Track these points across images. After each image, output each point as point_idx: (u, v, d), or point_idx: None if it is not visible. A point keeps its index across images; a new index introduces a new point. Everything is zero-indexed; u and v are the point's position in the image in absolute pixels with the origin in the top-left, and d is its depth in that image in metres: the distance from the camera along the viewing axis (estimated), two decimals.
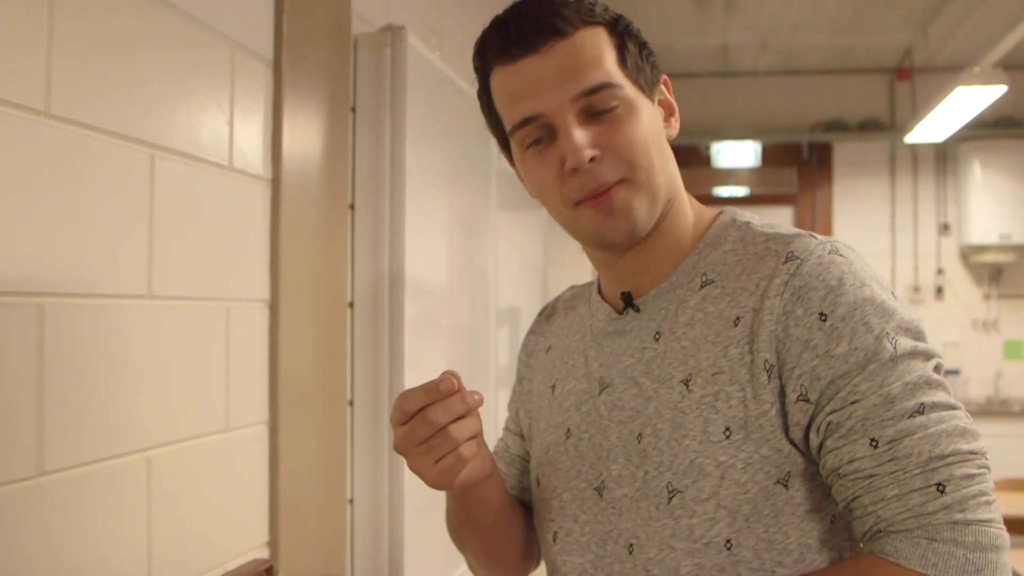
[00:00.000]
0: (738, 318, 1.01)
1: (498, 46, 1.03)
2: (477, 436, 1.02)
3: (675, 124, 1.10)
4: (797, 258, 0.99)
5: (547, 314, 1.30)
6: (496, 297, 2.90)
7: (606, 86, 1.01)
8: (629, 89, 1.03)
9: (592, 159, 1.00)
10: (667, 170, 1.06)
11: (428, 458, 0.99)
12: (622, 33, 1.05)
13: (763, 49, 5.64)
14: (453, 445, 0.98)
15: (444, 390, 0.98)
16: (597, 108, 1.01)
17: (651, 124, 1.04)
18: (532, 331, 1.31)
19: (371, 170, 2.04)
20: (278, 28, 1.70)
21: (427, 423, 0.97)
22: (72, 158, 1.18)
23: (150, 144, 1.33)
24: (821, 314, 0.96)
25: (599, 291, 1.18)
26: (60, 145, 1.16)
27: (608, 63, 1.02)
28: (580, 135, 1.00)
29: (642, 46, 1.07)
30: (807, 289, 0.97)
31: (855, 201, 6.09)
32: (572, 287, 1.29)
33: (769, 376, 0.98)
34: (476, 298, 2.72)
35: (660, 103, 1.09)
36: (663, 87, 1.10)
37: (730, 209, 1.13)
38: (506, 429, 1.33)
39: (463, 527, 1.24)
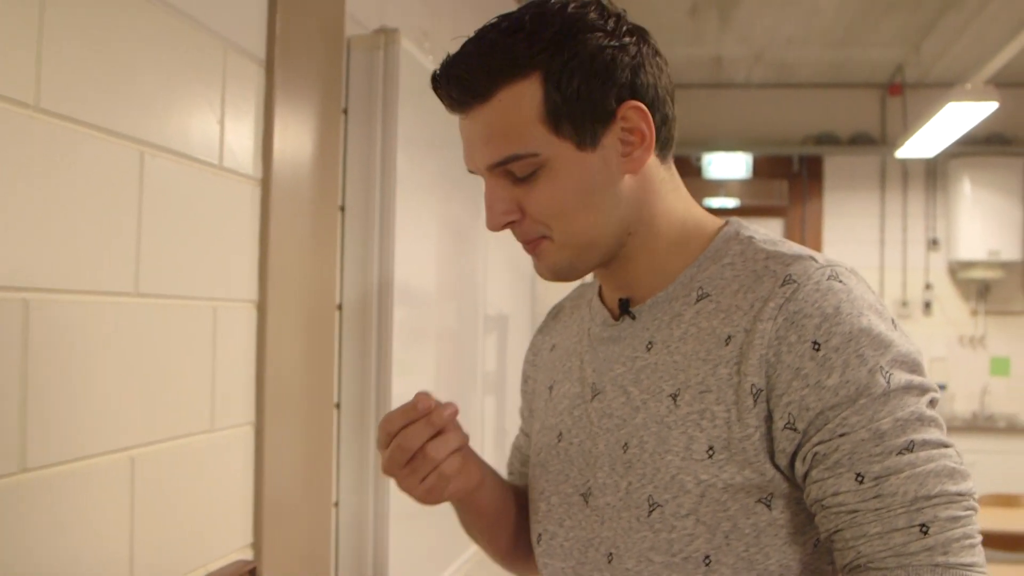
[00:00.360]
0: (730, 337, 0.99)
1: (441, 100, 1.06)
2: (460, 449, 1.05)
3: (640, 154, 1.02)
4: (795, 282, 0.97)
5: (554, 313, 1.29)
6: (485, 303, 2.90)
7: (516, 158, 1.00)
8: (550, 149, 0.99)
9: (511, 222, 1.04)
10: (601, 219, 1.03)
11: (413, 479, 1.05)
12: (559, 74, 0.98)
13: (756, 61, 5.66)
14: (433, 465, 1.03)
15: (422, 408, 1.02)
16: (516, 174, 1.02)
17: (581, 178, 1.01)
18: (540, 330, 1.31)
19: (362, 173, 2.03)
20: (271, 28, 1.70)
21: (401, 449, 1.02)
22: (61, 153, 1.17)
23: (140, 141, 1.32)
24: (815, 343, 0.94)
25: (600, 293, 1.17)
26: (49, 140, 1.15)
27: (526, 126, 0.99)
28: (495, 202, 1.04)
29: (589, 80, 0.99)
30: (802, 316, 0.95)
31: (845, 215, 6.12)
32: (582, 284, 1.27)
33: (755, 400, 0.96)
34: (465, 304, 2.72)
35: (627, 131, 1.02)
36: (632, 113, 1.01)
37: (735, 221, 1.10)
38: (521, 428, 1.33)
39: (468, 527, 1.27)
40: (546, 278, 1.09)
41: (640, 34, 1.04)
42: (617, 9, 1.04)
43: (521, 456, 1.31)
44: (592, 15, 1.01)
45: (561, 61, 0.98)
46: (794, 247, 1.04)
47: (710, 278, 1.04)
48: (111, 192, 1.27)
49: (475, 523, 1.23)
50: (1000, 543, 3.72)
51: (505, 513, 1.24)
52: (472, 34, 1.03)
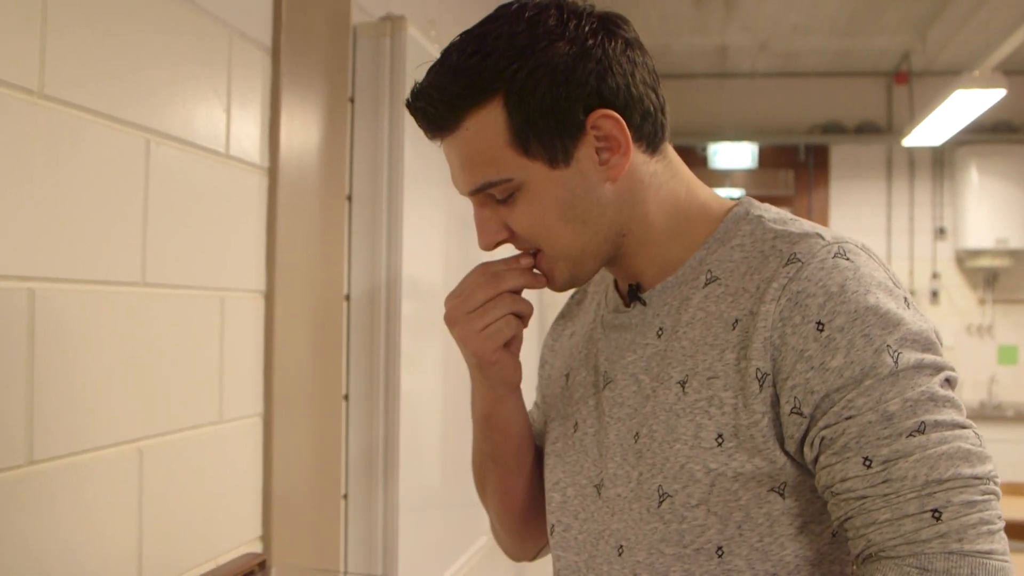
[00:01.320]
0: (736, 320, 0.96)
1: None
2: (524, 318, 1.07)
3: (618, 160, 0.99)
4: (799, 261, 0.94)
5: (578, 299, 1.27)
6: None
7: (491, 185, 0.99)
8: (523, 172, 0.98)
9: (502, 241, 1.04)
10: (588, 230, 1.01)
11: (477, 323, 1.05)
12: (519, 94, 0.95)
13: (761, 51, 5.63)
14: (504, 311, 1.04)
15: (525, 264, 1.04)
16: (496, 197, 1.01)
17: (558, 196, 0.99)
18: (562, 315, 1.28)
19: (369, 162, 2.01)
20: (277, 15, 1.68)
21: (492, 283, 1.04)
22: (65, 140, 1.16)
23: (146, 128, 1.31)
24: (818, 323, 0.91)
25: (615, 280, 1.15)
26: (53, 127, 1.14)
27: (495, 152, 0.97)
28: (482, 224, 1.04)
29: (551, 96, 0.95)
30: (805, 295, 0.92)
31: (851, 204, 6.09)
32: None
33: (761, 386, 0.93)
34: None
35: (601, 140, 0.98)
36: (603, 122, 0.97)
37: (746, 200, 1.06)
38: (535, 404, 1.30)
39: (486, 463, 1.22)
40: (557, 291, 1.08)
41: (608, 29, 0.99)
42: (580, 6, 1.00)
43: (537, 428, 1.28)
44: (551, 21, 0.97)
45: (520, 81, 0.95)
46: (804, 225, 1.00)
47: (719, 261, 1.02)
48: (117, 180, 1.26)
49: (499, 448, 1.19)
50: (1009, 532, 3.69)
51: (527, 445, 1.20)
52: (448, 48, 1.01)
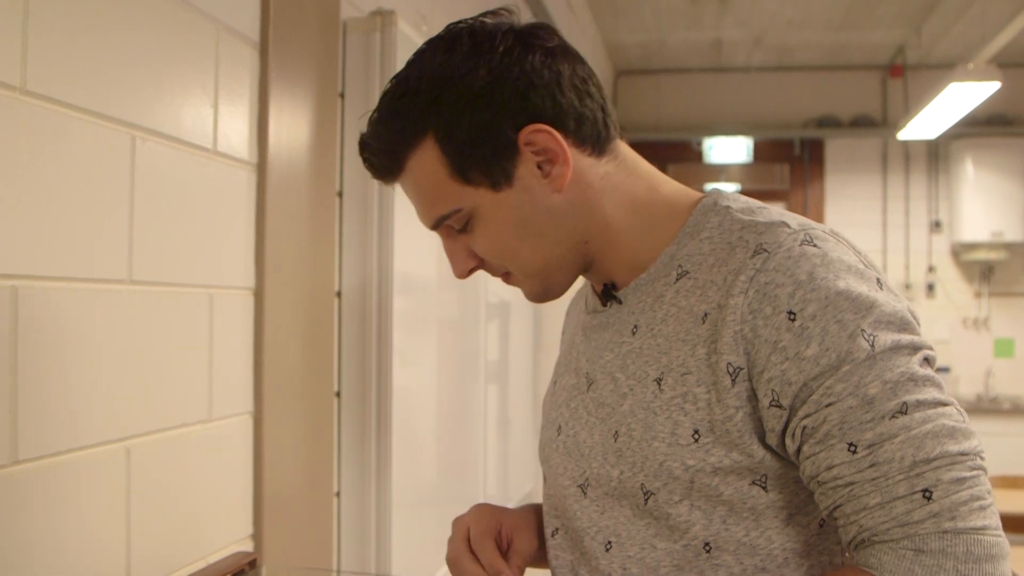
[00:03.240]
0: (706, 314, 0.95)
1: None
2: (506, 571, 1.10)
3: (559, 171, 0.99)
4: (765, 251, 0.92)
5: (568, 309, 1.27)
6: (486, 291, 2.87)
7: (444, 217, 1.02)
8: (470, 200, 1.00)
9: (473, 268, 1.06)
10: (547, 242, 1.02)
11: None
12: (447, 128, 0.97)
13: (756, 45, 5.63)
14: None
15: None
16: (455, 227, 1.03)
17: (509, 217, 1.00)
18: (563, 330, 1.29)
19: (360, 157, 2.00)
20: (265, 10, 1.67)
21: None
22: (49, 137, 1.14)
23: (131, 125, 1.29)
24: (790, 313, 0.89)
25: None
26: (36, 123, 1.12)
27: (440, 186, 0.99)
28: (452, 255, 1.06)
29: (476, 123, 0.96)
30: (774, 286, 0.90)
31: (847, 198, 6.10)
32: None
33: (733, 380, 0.92)
34: (466, 291, 2.69)
35: (538, 154, 0.98)
36: (536, 137, 0.97)
37: (714, 192, 1.05)
38: None
39: None
40: (534, 302, 1.10)
41: (524, 43, 0.98)
42: (494, 25, 1.00)
43: None
44: (464, 49, 0.97)
45: (445, 115, 0.97)
46: (771, 214, 0.99)
47: (689, 255, 1.00)
48: (102, 177, 1.24)
49: None
50: (1008, 525, 3.70)
51: None
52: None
